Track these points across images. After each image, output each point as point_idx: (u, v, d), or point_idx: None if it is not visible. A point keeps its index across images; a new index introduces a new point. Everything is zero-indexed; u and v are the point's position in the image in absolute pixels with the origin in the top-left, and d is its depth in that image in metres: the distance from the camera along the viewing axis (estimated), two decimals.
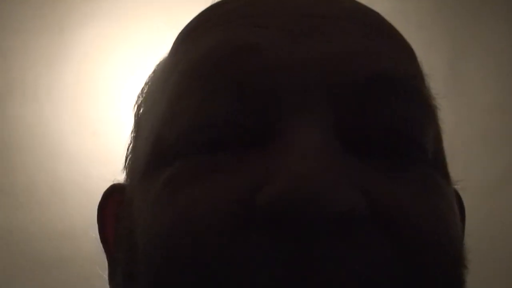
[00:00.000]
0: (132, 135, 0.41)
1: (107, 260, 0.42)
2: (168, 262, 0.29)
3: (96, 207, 0.44)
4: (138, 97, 0.42)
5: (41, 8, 1.51)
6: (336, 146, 0.30)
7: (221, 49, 0.33)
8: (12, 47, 1.50)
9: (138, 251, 0.32)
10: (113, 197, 0.42)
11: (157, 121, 0.35)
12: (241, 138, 0.31)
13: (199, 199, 0.30)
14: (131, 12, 1.50)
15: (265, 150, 0.30)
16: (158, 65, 0.41)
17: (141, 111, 0.41)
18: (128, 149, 0.41)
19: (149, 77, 0.42)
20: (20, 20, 1.51)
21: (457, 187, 0.39)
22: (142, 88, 0.42)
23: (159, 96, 0.36)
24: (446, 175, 0.36)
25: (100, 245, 0.43)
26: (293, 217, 0.27)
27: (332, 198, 0.27)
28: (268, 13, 0.34)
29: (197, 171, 0.31)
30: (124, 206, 0.37)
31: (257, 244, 0.28)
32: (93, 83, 1.50)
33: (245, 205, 0.29)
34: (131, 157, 0.40)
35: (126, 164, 0.41)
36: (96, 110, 1.50)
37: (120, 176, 0.43)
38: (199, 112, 0.32)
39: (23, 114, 1.49)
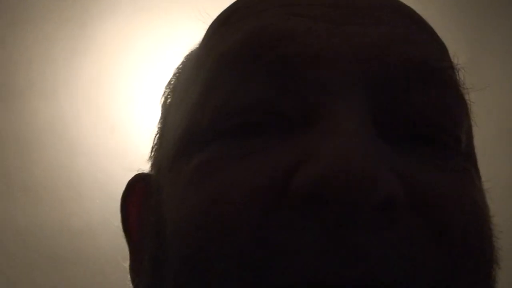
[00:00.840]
0: (159, 125, 0.41)
1: (129, 249, 0.42)
2: (199, 245, 0.29)
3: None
4: (166, 88, 0.42)
5: (62, 1, 1.51)
6: (374, 133, 0.29)
7: (258, 35, 0.33)
8: (33, 41, 1.51)
9: (167, 236, 0.32)
10: (137, 186, 0.42)
11: (189, 108, 0.35)
12: (276, 123, 0.31)
13: (232, 181, 0.29)
14: (152, 6, 1.50)
15: (301, 135, 0.30)
16: (188, 56, 0.41)
17: (168, 100, 0.41)
18: (154, 139, 0.41)
19: (178, 68, 0.42)
20: (41, 14, 1.51)
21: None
22: (170, 80, 0.42)
23: (191, 84, 0.36)
24: (476, 168, 0.36)
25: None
26: (334, 200, 0.26)
27: (373, 184, 0.26)
28: (304, 3, 0.34)
29: (231, 154, 0.31)
30: (152, 194, 0.37)
31: (293, 226, 0.27)
32: (112, 78, 1.51)
33: (281, 185, 0.28)
34: (158, 147, 0.40)
35: (152, 154, 0.41)
36: (115, 105, 1.50)
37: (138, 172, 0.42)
38: (234, 95, 0.32)
39: (42, 108, 1.50)
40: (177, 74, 0.41)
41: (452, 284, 0.29)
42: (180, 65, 0.41)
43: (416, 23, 0.36)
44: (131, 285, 0.41)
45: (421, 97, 0.32)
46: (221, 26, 0.37)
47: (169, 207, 0.33)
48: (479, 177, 0.36)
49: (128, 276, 0.41)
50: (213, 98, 0.33)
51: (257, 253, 0.27)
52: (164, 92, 0.42)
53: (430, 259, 0.28)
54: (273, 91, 0.31)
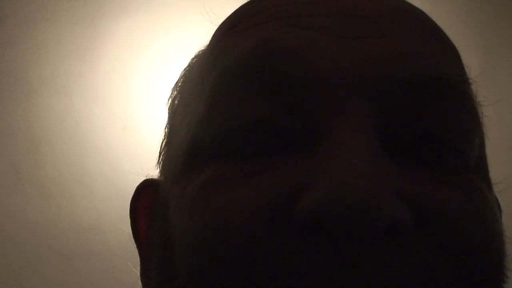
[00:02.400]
0: (166, 130, 0.41)
1: (139, 255, 0.41)
2: (205, 264, 0.29)
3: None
4: (173, 90, 0.41)
5: (74, 1, 1.52)
6: (381, 151, 0.29)
7: (262, 50, 0.32)
8: (45, 39, 1.51)
9: (175, 251, 0.31)
10: (145, 192, 0.42)
11: (194, 120, 0.34)
12: (281, 142, 0.30)
13: (236, 201, 0.29)
14: (164, 6, 1.50)
15: (306, 154, 0.29)
16: (194, 59, 0.40)
17: (175, 105, 0.40)
18: (162, 145, 0.41)
19: (184, 70, 0.41)
20: (54, 12, 1.52)
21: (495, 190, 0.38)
22: (177, 82, 0.41)
23: (196, 94, 0.36)
24: (488, 181, 0.35)
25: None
26: (338, 225, 0.26)
27: (378, 210, 0.26)
28: (311, 13, 0.33)
29: (236, 174, 0.30)
30: (159, 205, 0.37)
31: (298, 251, 0.27)
32: (124, 77, 1.51)
33: (285, 208, 0.28)
34: (165, 153, 0.40)
35: (160, 159, 0.40)
36: (126, 104, 1.50)
37: (149, 171, 0.42)
38: (237, 114, 0.31)
39: (54, 106, 1.50)
40: (184, 77, 0.41)
41: None
42: (187, 67, 0.41)
43: (427, 30, 0.34)
44: (139, 281, 0.41)
45: (430, 113, 0.31)
46: (226, 35, 0.36)
47: (176, 221, 0.33)
48: (490, 189, 0.35)
49: (136, 272, 0.41)
50: (215, 116, 0.32)
51: (262, 276, 0.27)
52: (171, 94, 0.41)
53: (439, 282, 0.27)
54: (275, 109, 0.31)
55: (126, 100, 1.51)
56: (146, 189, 0.42)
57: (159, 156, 0.41)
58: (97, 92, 1.51)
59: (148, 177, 0.43)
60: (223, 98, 0.32)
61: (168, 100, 0.42)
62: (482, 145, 0.36)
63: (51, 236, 1.48)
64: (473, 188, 0.32)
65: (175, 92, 0.41)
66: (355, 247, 0.26)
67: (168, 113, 0.41)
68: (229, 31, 0.36)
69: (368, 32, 0.32)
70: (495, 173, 0.37)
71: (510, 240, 0.34)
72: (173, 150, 0.37)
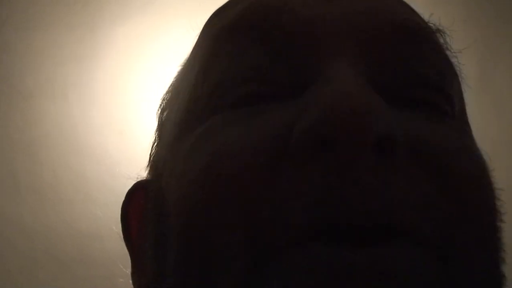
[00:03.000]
0: (156, 133, 0.41)
1: (131, 258, 0.41)
2: (203, 202, 0.29)
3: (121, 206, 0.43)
4: (162, 100, 0.42)
5: (73, 6, 1.52)
6: (369, 87, 0.29)
7: (253, 8, 0.34)
8: (42, 44, 1.51)
9: (169, 215, 0.31)
10: (136, 195, 0.42)
11: (187, 91, 0.35)
12: (275, 91, 0.32)
13: (234, 137, 0.30)
14: (162, 11, 1.51)
15: (300, 95, 0.30)
16: (181, 65, 0.41)
17: (164, 114, 0.41)
18: (152, 147, 0.41)
19: (172, 81, 0.42)
20: (52, 17, 1.52)
21: None
22: (166, 92, 0.42)
23: (188, 73, 0.37)
24: (472, 137, 0.37)
25: (124, 245, 0.43)
26: (337, 138, 0.26)
27: (374, 117, 0.26)
28: None
29: (233, 119, 0.31)
30: (151, 197, 0.37)
31: (296, 174, 0.27)
32: (122, 82, 1.51)
33: (283, 136, 0.28)
34: (154, 154, 0.40)
35: (150, 161, 0.41)
36: (124, 109, 1.51)
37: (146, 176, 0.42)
38: (230, 69, 0.32)
39: (51, 111, 1.50)
40: (172, 84, 0.41)
41: (457, 230, 0.28)
42: (175, 76, 0.41)
43: (402, 3, 0.37)
44: None
45: (411, 55, 0.33)
46: (218, 14, 0.38)
47: (170, 188, 0.33)
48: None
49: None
50: (210, 75, 0.33)
51: (259, 200, 0.27)
52: (160, 105, 0.42)
53: (433, 205, 0.28)
54: (268, 59, 0.32)
55: (123, 105, 1.51)
56: (136, 192, 0.42)
57: (149, 158, 0.41)
58: (95, 97, 1.51)
59: (139, 180, 0.43)
60: (217, 56, 0.33)
61: (157, 109, 0.42)
62: (461, 99, 0.37)
63: (48, 241, 1.48)
64: (461, 129, 0.34)
65: (164, 102, 0.41)
66: (353, 159, 0.26)
67: (158, 121, 0.42)
68: (220, 10, 0.38)
69: None
70: (492, 170, 0.38)
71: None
72: (166, 132, 0.38)
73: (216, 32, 0.35)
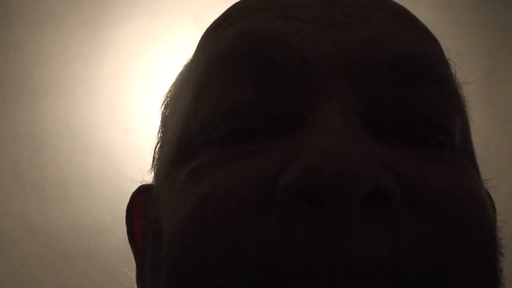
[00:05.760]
0: (159, 135, 0.41)
1: (135, 260, 0.42)
2: (188, 244, 0.29)
3: (126, 204, 0.44)
4: (165, 97, 0.42)
5: (80, 5, 1.53)
6: (362, 131, 0.29)
7: (246, 37, 0.33)
8: (50, 42, 1.52)
9: (163, 242, 0.32)
10: (140, 198, 0.42)
11: (183, 114, 0.35)
12: (268, 127, 0.31)
13: (222, 181, 0.29)
14: (168, 11, 1.51)
15: (290, 137, 0.30)
16: (185, 64, 0.41)
17: (167, 111, 0.41)
18: (155, 150, 0.41)
19: (176, 77, 0.42)
20: (59, 16, 1.52)
21: (487, 186, 0.39)
22: (169, 89, 0.42)
23: (184, 90, 0.36)
24: (475, 166, 0.36)
25: (128, 242, 0.43)
26: (320, 193, 0.26)
27: (359, 175, 0.25)
28: (293, 5, 0.34)
29: (222, 158, 0.31)
30: (152, 202, 0.37)
31: (283, 224, 0.27)
32: (128, 81, 1.51)
33: (268, 185, 0.28)
34: (158, 157, 0.40)
35: (154, 164, 0.41)
36: (130, 107, 1.51)
37: (150, 174, 0.43)
38: (222, 101, 0.32)
39: (58, 108, 1.51)
40: (175, 83, 0.41)
41: (451, 275, 0.28)
42: (178, 74, 0.41)
43: (406, 20, 0.35)
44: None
45: (410, 93, 0.31)
46: (214, 31, 0.37)
47: (165, 214, 0.33)
48: (478, 173, 0.35)
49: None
50: (202, 104, 0.33)
51: (247, 252, 0.27)
52: (164, 101, 0.42)
53: (427, 250, 0.27)
54: (260, 94, 0.31)
55: (129, 103, 1.51)
56: (141, 194, 0.42)
57: (153, 161, 0.41)
58: (101, 96, 1.51)
59: (143, 183, 0.43)
60: (210, 86, 0.33)
61: (161, 106, 0.42)
62: (466, 128, 0.36)
63: (53, 237, 1.48)
64: (459, 165, 0.32)
65: (167, 99, 0.42)
66: (338, 217, 0.26)
67: (161, 118, 0.42)
68: (217, 27, 0.37)
69: (349, 19, 0.33)
70: (500, 186, 0.38)
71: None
72: (165, 150, 0.38)
73: (209, 58, 0.34)
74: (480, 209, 0.30)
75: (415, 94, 0.31)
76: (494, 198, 0.40)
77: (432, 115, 0.32)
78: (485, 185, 0.38)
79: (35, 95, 1.51)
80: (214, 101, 0.32)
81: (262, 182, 0.28)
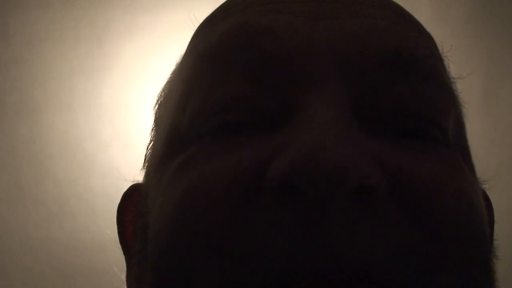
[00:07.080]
0: (152, 133, 0.41)
1: (126, 261, 0.41)
2: (174, 236, 0.29)
3: None
4: (158, 96, 0.42)
5: (80, 20, 1.53)
6: (353, 124, 0.29)
7: (236, 31, 0.32)
8: (50, 57, 1.52)
9: (149, 237, 0.31)
10: (132, 197, 0.42)
11: (173, 109, 0.35)
12: (255, 120, 0.31)
13: (209, 174, 0.29)
14: (169, 26, 1.51)
15: (279, 129, 0.29)
16: (177, 62, 0.41)
17: (160, 109, 0.41)
18: (147, 148, 0.41)
19: (169, 75, 0.42)
20: (60, 31, 1.53)
21: (485, 187, 0.38)
22: (162, 88, 0.42)
23: (175, 85, 0.36)
24: (469, 162, 0.35)
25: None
26: (307, 185, 0.25)
27: (345, 170, 0.25)
28: (285, 0, 0.34)
29: (210, 151, 0.30)
30: (141, 199, 0.37)
31: (269, 217, 0.26)
32: (128, 96, 1.52)
33: (256, 176, 0.28)
34: (149, 156, 0.40)
35: (145, 162, 0.40)
36: (129, 123, 1.51)
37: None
38: (213, 94, 0.32)
39: (58, 124, 1.51)
40: (168, 81, 0.41)
41: (439, 273, 0.27)
42: (171, 72, 0.41)
43: (398, 14, 0.35)
44: None
45: (401, 87, 0.31)
46: (205, 26, 0.37)
47: (153, 210, 0.32)
48: (471, 169, 0.35)
49: None
50: (192, 99, 0.33)
51: (231, 245, 0.27)
52: (157, 100, 0.42)
53: (413, 246, 0.27)
54: (250, 87, 0.31)
55: (129, 118, 1.51)
56: (132, 194, 0.42)
57: (144, 160, 0.41)
58: (101, 111, 1.52)
59: (135, 182, 0.43)
60: (200, 80, 0.33)
61: (154, 105, 0.42)
62: (459, 124, 0.36)
63: (53, 254, 1.48)
64: (451, 160, 0.32)
65: (160, 99, 0.41)
66: (324, 209, 0.25)
67: (153, 118, 0.42)
68: (209, 22, 0.37)
69: (342, 13, 0.33)
70: (501, 195, 0.37)
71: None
72: (155, 147, 0.38)
73: (200, 52, 0.34)
74: (468, 207, 0.30)
75: (406, 88, 0.31)
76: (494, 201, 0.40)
77: (423, 109, 0.31)
78: (483, 186, 0.38)
79: (35, 110, 1.51)
80: (203, 95, 0.32)
81: (249, 174, 0.28)
